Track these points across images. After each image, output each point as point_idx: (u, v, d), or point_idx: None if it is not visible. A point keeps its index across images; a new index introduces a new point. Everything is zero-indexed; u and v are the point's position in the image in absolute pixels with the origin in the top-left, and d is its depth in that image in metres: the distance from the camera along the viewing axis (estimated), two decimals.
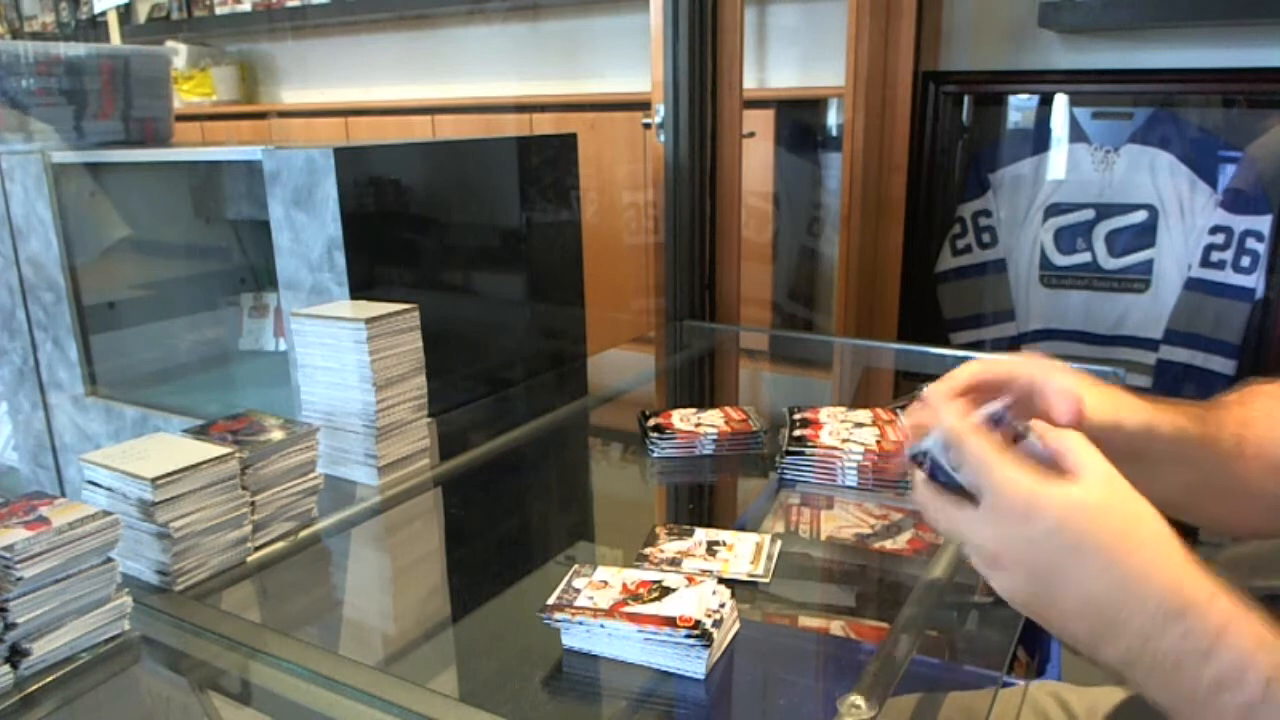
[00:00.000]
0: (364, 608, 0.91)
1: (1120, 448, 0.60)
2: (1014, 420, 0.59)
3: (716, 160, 1.82)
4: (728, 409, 1.24)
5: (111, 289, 1.69)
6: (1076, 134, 1.98)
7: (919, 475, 0.61)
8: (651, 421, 1.20)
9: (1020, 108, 2.05)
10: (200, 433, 0.95)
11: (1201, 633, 0.46)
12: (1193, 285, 1.88)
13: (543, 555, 1.00)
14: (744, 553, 0.89)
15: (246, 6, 3.12)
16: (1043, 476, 0.53)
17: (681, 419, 1.21)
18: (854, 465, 1.06)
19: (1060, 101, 1.98)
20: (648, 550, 0.89)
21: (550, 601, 0.77)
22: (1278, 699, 0.43)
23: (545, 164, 1.54)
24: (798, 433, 1.13)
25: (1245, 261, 1.81)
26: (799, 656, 0.81)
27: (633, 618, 0.72)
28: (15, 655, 0.71)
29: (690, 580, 0.78)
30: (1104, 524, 0.50)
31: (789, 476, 1.08)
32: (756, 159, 2.08)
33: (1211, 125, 1.86)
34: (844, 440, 1.09)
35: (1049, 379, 0.61)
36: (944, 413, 0.58)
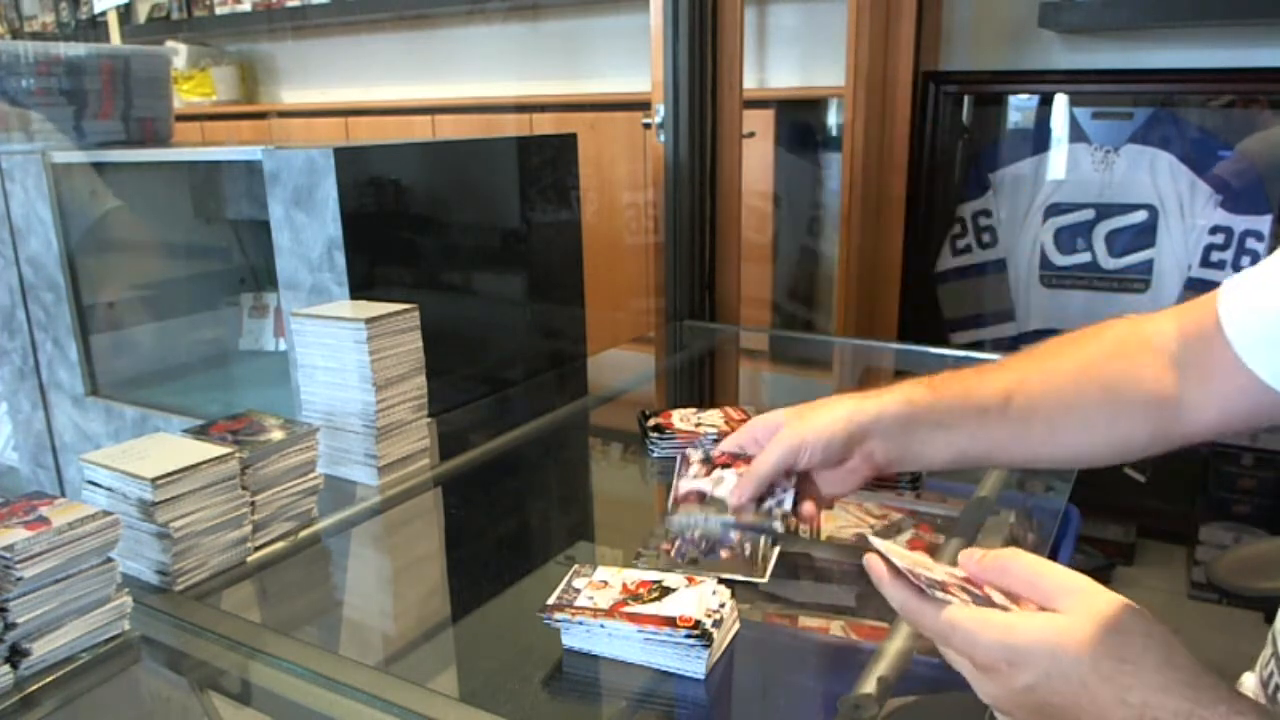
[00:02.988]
0: (364, 608, 0.91)
1: (889, 429, 0.74)
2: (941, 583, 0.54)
3: (716, 160, 1.82)
4: (728, 409, 1.24)
5: (111, 289, 1.69)
6: (1076, 134, 1.98)
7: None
8: (651, 421, 1.20)
9: (1020, 108, 2.05)
10: (200, 433, 0.95)
11: None
12: (1193, 285, 1.88)
13: (543, 555, 1.00)
14: (743, 553, 0.89)
15: (246, 6, 3.12)
16: (1011, 617, 0.50)
17: (681, 419, 1.21)
18: None
19: (1060, 101, 1.98)
20: (649, 550, 0.89)
21: (550, 601, 0.76)
22: None
23: (545, 164, 1.54)
24: None
25: (1245, 261, 1.81)
26: (799, 656, 0.81)
27: (633, 618, 0.72)
28: (15, 655, 0.71)
29: (690, 580, 0.78)
30: (1100, 650, 0.47)
31: None
32: (756, 159, 2.08)
33: (1211, 125, 1.86)
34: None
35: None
36: (894, 602, 0.56)
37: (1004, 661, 0.49)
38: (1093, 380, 0.73)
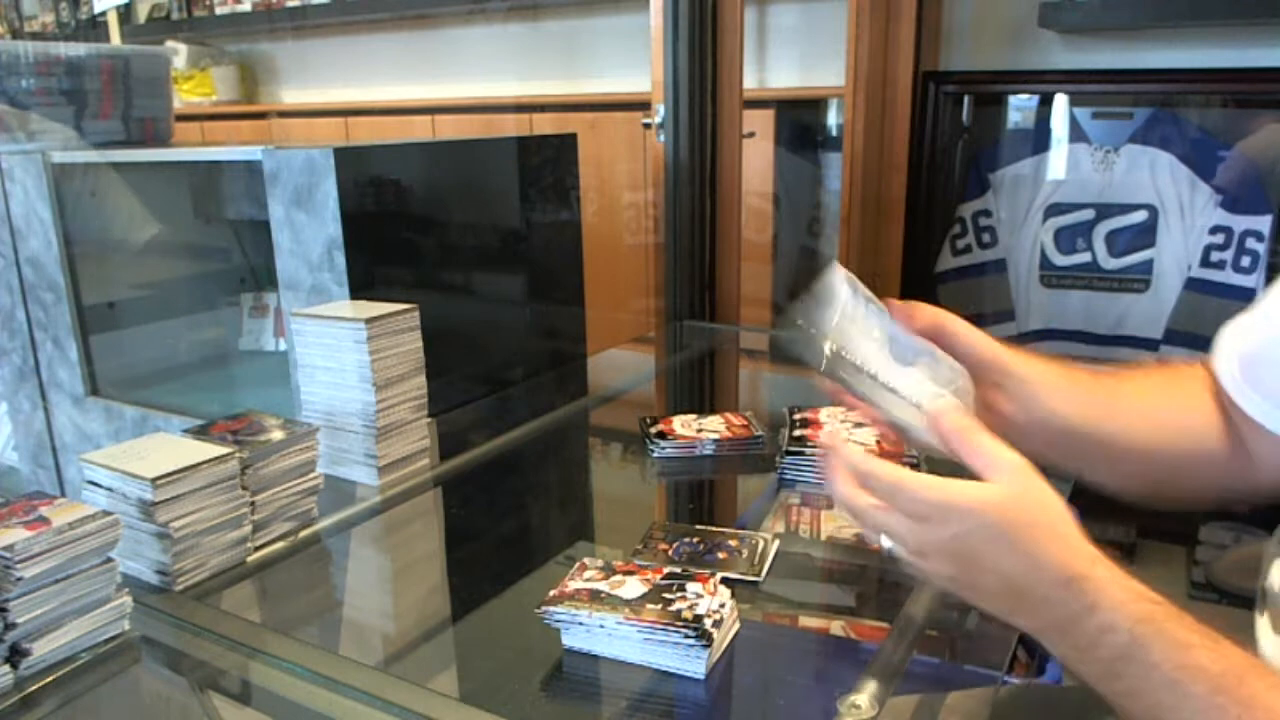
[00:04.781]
0: (364, 608, 0.91)
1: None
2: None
3: (716, 160, 1.82)
4: (728, 415, 1.24)
5: (111, 289, 1.69)
6: (1076, 134, 1.97)
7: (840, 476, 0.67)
8: (654, 429, 1.20)
9: (1020, 108, 2.05)
10: (200, 433, 0.95)
11: (1085, 592, 0.55)
12: (1193, 285, 1.88)
13: (543, 555, 1.00)
14: (742, 552, 0.89)
15: (246, 6, 3.12)
16: (950, 482, 0.59)
17: (683, 425, 1.21)
18: None
19: (1060, 101, 1.98)
20: (647, 549, 0.89)
21: (550, 596, 0.76)
22: (1142, 639, 0.53)
23: (545, 164, 1.54)
24: (798, 433, 1.13)
25: (1245, 261, 1.81)
26: (799, 656, 0.81)
27: (633, 617, 0.72)
28: (15, 655, 0.71)
29: (698, 578, 0.78)
30: (1015, 515, 0.57)
31: (789, 476, 1.08)
32: (756, 159, 2.08)
33: (1211, 125, 1.86)
34: (844, 440, 1.09)
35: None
36: (848, 461, 0.66)
37: (938, 514, 0.59)
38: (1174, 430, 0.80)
